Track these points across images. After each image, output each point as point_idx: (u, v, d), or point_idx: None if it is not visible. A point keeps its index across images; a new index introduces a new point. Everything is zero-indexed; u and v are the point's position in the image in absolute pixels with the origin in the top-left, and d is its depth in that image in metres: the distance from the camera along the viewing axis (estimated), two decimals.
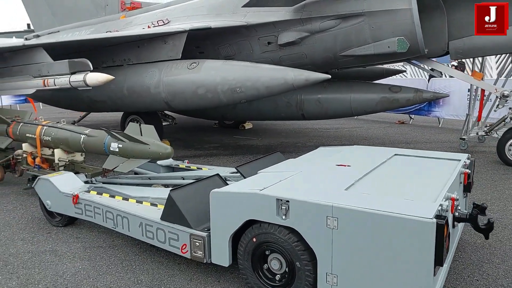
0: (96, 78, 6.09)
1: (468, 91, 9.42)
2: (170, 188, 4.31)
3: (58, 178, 4.57)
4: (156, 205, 3.87)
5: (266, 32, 7.45)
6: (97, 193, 4.33)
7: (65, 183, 4.52)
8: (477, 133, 8.68)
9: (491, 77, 12.39)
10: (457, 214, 2.86)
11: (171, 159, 5.35)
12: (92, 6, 11.50)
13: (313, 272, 2.78)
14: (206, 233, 3.22)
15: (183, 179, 5.04)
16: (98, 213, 4.09)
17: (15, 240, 4.32)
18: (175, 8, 9.05)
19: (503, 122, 7.86)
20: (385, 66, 10.88)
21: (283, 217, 2.82)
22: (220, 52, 8.13)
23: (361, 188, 3.04)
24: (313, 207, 2.69)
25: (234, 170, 4.70)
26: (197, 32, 7.42)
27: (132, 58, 7.91)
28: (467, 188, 3.75)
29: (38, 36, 12.08)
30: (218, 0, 8.18)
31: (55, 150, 5.47)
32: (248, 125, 12.19)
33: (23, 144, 5.89)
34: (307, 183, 3.23)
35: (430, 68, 8.14)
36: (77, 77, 6.32)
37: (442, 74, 8.70)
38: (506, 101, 7.19)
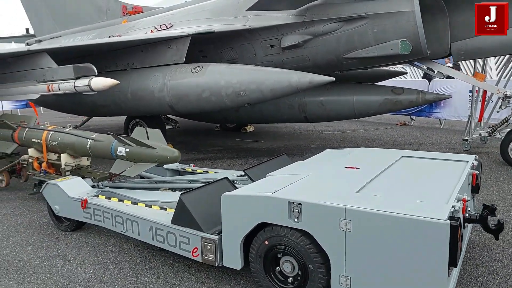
0: (101, 82, 6.12)
1: (469, 92, 9.46)
2: (179, 192, 4.35)
3: (66, 183, 4.59)
4: (165, 209, 3.89)
5: (269, 35, 7.50)
6: (106, 198, 4.35)
7: (74, 188, 4.53)
8: (480, 134, 8.72)
9: (491, 78, 12.45)
10: (467, 215, 2.89)
11: (177, 162, 5.37)
12: (93, 11, 11.56)
13: (326, 274, 2.79)
14: (217, 236, 3.23)
15: (190, 182, 5.06)
16: (107, 217, 4.10)
17: (24, 245, 4.33)
18: (177, 12, 9.11)
19: (506, 123, 7.90)
20: (385, 67, 10.93)
21: (295, 219, 2.83)
22: (223, 56, 8.17)
23: (372, 190, 3.06)
24: (326, 209, 2.70)
25: (241, 173, 4.72)
26: (201, 36, 7.45)
27: (135, 62, 7.94)
28: (475, 189, 3.78)
29: (40, 41, 12.13)
30: (221, 4, 8.23)
31: (61, 155, 5.48)
32: (250, 128, 12.23)
33: (29, 149, 5.90)
34: (318, 186, 3.25)
35: (426, 67, 8.17)
36: (82, 82, 6.36)
37: (442, 75, 8.76)
38: (508, 102, 7.22)
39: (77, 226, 4.64)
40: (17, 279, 3.61)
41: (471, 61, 12.03)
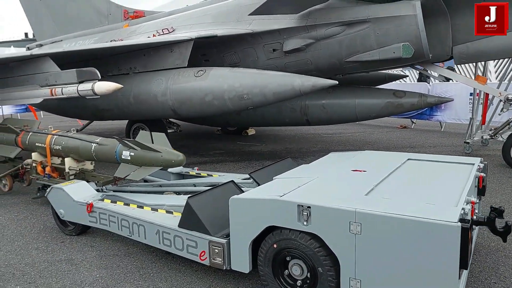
0: (105, 87, 6.12)
1: (470, 95, 9.51)
2: (184, 195, 4.35)
3: (71, 187, 4.58)
4: (172, 213, 3.89)
5: (272, 39, 7.52)
6: (111, 202, 4.34)
7: (79, 192, 4.53)
8: (482, 137, 8.75)
9: (490, 81, 12.50)
10: (475, 217, 2.89)
11: (181, 166, 5.37)
12: (94, 15, 11.58)
13: (335, 277, 2.79)
14: (225, 240, 3.23)
15: (195, 186, 5.06)
16: (113, 221, 4.09)
17: (30, 250, 4.32)
18: (179, 17, 9.13)
19: (508, 126, 7.93)
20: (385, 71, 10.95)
21: (305, 223, 2.84)
22: (225, 60, 8.18)
23: (381, 193, 3.06)
24: (336, 212, 2.71)
25: (246, 176, 4.72)
26: (203, 40, 7.48)
27: (138, 66, 7.96)
28: (481, 191, 3.79)
29: (41, 45, 12.14)
30: (223, 9, 8.26)
31: (65, 159, 5.47)
32: (251, 131, 12.23)
33: (33, 154, 5.89)
34: (326, 189, 3.26)
35: (424, 69, 8.18)
36: (85, 86, 6.35)
37: (439, 77, 8.78)
38: (510, 105, 7.25)
39: (82, 230, 4.63)
40: (24, 284, 3.60)
41: (470, 64, 12.13)
